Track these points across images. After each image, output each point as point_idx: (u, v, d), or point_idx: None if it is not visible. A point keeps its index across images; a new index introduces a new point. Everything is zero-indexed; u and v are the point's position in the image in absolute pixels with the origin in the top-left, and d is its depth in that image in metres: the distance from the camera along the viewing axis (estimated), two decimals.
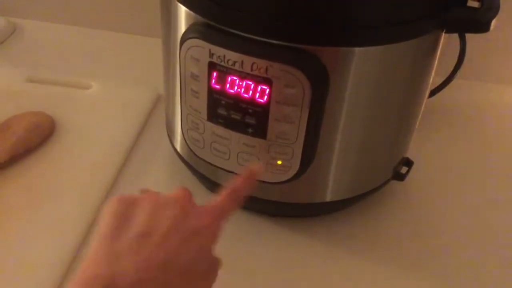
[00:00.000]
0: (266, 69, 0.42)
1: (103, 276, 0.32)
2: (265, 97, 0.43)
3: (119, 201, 0.36)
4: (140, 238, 0.34)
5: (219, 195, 0.40)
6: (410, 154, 0.58)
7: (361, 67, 0.43)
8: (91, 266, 0.33)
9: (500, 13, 0.46)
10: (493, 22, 0.45)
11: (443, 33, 0.47)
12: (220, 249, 0.52)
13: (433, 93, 0.70)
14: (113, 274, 0.32)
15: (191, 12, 0.44)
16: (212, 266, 0.38)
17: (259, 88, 0.43)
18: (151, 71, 0.68)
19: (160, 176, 0.60)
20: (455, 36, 0.62)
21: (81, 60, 0.79)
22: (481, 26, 0.45)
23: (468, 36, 0.63)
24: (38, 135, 0.61)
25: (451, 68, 0.67)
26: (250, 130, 0.46)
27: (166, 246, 0.34)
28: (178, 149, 0.56)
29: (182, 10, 0.45)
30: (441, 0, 0.44)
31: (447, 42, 0.50)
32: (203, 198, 0.56)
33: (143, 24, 0.83)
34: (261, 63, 0.42)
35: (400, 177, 0.57)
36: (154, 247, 0.34)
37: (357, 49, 0.42)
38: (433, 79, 0.54)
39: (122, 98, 0.69)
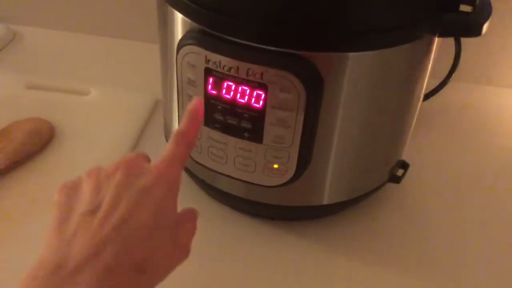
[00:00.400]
0: (261, 75, 0.42)
1: (51, 261, 0.31)
2: (261, 102, 0.44)
3: (60, 191, 0.36)
4: (86, 217, 0.33)
5: (168, 143, 0.38)
6: (406, 156, 0.58)
7: (355, 71, 0.44)
8: (42, 252, 0.33)
9: (495, 16, 0.47)
10: (485, 26, 0.45)
11: (436, 37, 0.47)
12: (218, 252, 0.53)
13: (428, 96, 0.70)
14: (61, 257, 0.31)
15: (187, 19, 0.45)
16: (181, 218, 0.37)
17: (254, 93, 0.44)
18: (150, 76, 0.69)
19: None
20: (450, 39, 0.62)
21: (80, 66, 0.80)
22: (473, 30, 0.45)
23: (464, 39, 0.64)
24: (38, 141, 0.61)
25: (446, 70, 0.68)
26: (246, 134, 0.46)
27: (114, 216, 0.33)
28: None
29: (179, 17, 0.46)
30: (434, 5, 0.45)
31: (442, 44, 0.50)
32: (201, 202, 0.58)
33: (142, 30, 0.84)
34: (256, 68, 0.42)
35: (396, 179, 0.57)
36: (101, 221, 0.33)
37: (351, 54, 0.43)
38: (429, 81, 0.54)
39: (121, 104, 0.70)
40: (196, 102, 0.40)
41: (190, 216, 0.38)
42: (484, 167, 0.67)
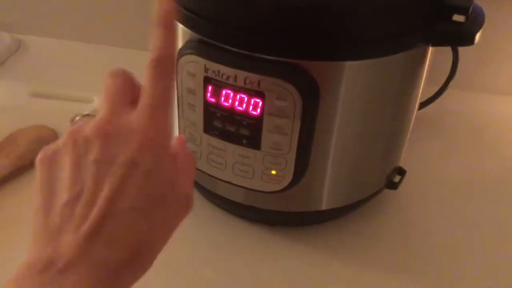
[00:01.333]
0: (259, 83, 0.44)
1: (40, 259, 0.29)
2: (258, 109, 0.45)
3: (41, 163, 0.31)
4: (68, 205, 0.29)
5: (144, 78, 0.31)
6: (403, 163, 0.59)
7: (351, 80, 0.45)
8: (31, 250, 0.30)
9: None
10: (478, 35, 0.47)
11: (430, 46, 0.48)
12: (217, 258, 0.54)
13: (425, 104, 0.71)
14: (50, 254, 0.28)
15: (187, 29, 0.46)
16: (178, 168, 0.32)
17: (252, 101, 0.45)
18: None
19: None
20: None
21: (84, 74, 0.81)
22: (466, 39, 0.46)
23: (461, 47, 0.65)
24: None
25: (443, 75, 0.69)
26: (244, 141, 0.47)
27: (97, 203, 0.29)
28: None
29: (179, 27, 0.47)
30: (427, 15, 0.46)
31: (441, 51, 0.51)
32: (201, 208, 0.59)
33: (144, 40, 0.85)
34: (254, 77, 0.43)
35: (393, 185, 0.58)
36: (85, 209, 0.29)
37: (346, 63, 0.44)
38: (428, 88, 0.55)
39: None
40: (163, 4, 0.32)
41: (188, 158, 0.33)
42: (480, 174, 0.67)
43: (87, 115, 0.62)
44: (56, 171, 0.31)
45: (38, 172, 0.31)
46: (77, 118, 0.36)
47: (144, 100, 0.31)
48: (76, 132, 0.31)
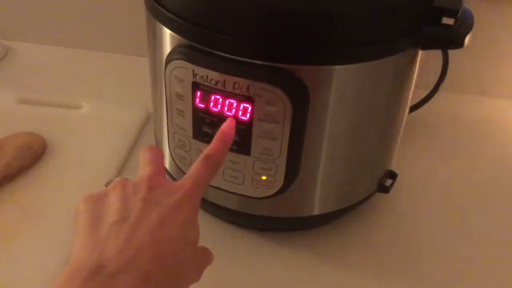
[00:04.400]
0: (248, 88, 0.43)
1: (88, 261, 0.32)
2: (248, 114, 0.45)
3: (86, 201, 0.36)
4: (117, 224, 0.34)
5: (194, 164, 0.39)
6: (395, 166, 0.59)
7: (341, 84, 0.45)
8: (75, 258, 0.33)
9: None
10: (467, 38, 0.46)
11: (420, 50, 0.48)
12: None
13: (416, 107, 0.71)
14: (97, 259, 0.32)
15: (175, 34, 0.46)
16: (201, 247, 0.38)
17: (241, 106, 0.44)
18: (141, 90, 0.69)
19: None
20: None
21: (72, 80, 0.81)
22: (455, 42, 0.46)
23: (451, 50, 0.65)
24: (30, 155, 0.62)
25: (434, 78, 0.69)
26: (234, 147, 0.47)
27: (144, 225, 0.34)
28: (167, 166, 0.57)
29: (167, 32, 0.46)
30: (416, 19, 0.46)
31: (431, 55, 0.51)
32: None
33: (132, 44, 0.85)
34: (243, 82, 0.43)
35: (385, 189, 0.58)
36: (132, 228, 0.33)
37: (336, 67, 0.44)
38: (417, 91, 0.55)
39: (113, 117, 0.70)
40: (229, 123, 0.42)
41: (208, 250, 0.40)
42: (471, 176, 0.68)
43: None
44: (103, 205, 0.35)
45: (82, 206, 0.36)
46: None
47: (189, 176, 0.38)
48: (124, 180, 0.37)
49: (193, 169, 0.38)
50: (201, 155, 0.39)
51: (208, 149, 0.40)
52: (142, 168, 0.39)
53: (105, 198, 0.36)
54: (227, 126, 0.42)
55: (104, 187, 0.38)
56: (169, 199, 0.36)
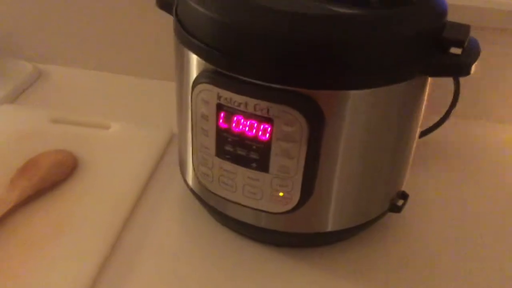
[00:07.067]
0: (268, 110, 0.47)
1: None
2: (267, 134, 0.48)
3: None
4: None
5: None
6: (406, 187, 0.62)
7: (355, 107, 0.48)
8: None
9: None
10: (473, 66, 0.49)
11: (429, 77, 0.51)
12: (221, 279, 0.56)
13: (426, 132, 0.74)
14: None
15: (201, 60, 0.49)
16: None
17: (261, 127, 0.48)
18: (165, 112, 0.73)
19: (173, 209, 0.64)
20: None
21: (101, 102, 0.85)
22: (463, 70, 0.48)
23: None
24: (62, 171, 0.66)
25: (445, 105, 0.72)
26: (254, 164, 0.50)
27: None
28: (190, 183, 0.60)
29: (194, 58, 0.50)
30: (426, 48, 0.48)
31: (441, 82, 0.54)
32: (210, 229, 0.61)
33: (158, 69, 0.89)
34: (263, 104, 0.47)
35: (396, 209, 0.60)
36: None
37: (350, 91, 0.47)
38: (429, 116, 0.57)
39: (139, 137, 0.74)
40: None
41: None
42: (481, 199, 0.69)
43: None
44: None
45: None
46: None
47: None
48: None
49: None
50: None
51: None
52: None
53: None
54: None
55: None
56: None
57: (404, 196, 0.61)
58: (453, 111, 0.72)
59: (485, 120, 0.85)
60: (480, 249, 0.62)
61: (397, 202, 0.61)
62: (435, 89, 0.55)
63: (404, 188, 0.61)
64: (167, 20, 0.58)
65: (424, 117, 0.56)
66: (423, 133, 0.74)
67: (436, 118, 0.73)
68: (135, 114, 0.81)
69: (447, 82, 0.67)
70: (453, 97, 0.72)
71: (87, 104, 0.84)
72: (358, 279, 0.57)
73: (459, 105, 0.71)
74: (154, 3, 0.59)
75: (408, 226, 0.64)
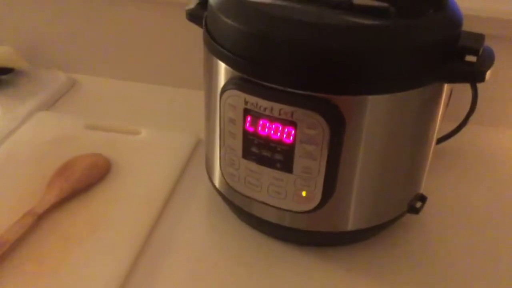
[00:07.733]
0: (292, 114, 0.50)
1: None
2: (291, 137, 0.51)
3: None
4: None
5: None
6: (425, 190, 0.63)
7: (374, 112, 0.50)
8: None
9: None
10: (488, 73, 0.51)
11: (445, 83, 0.54)
12: (246, 276, 0.58)
13: (444, 139, 0.76)
14: None
15: (229, 68, 0.53)
16: None
17: (286, 130, 0.51)
18: (192, 119, 0.77)
19: (200, 208, 0.67)
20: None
21: (131, 110, 0.88)
22: (478, 77, 0.51)
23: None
24: (96, 174, 0.70)
25: (461, 114, 0.74)
26: (278, 165, 0.53)
27: None
28: (217, 184, 0.63)
29: (222, 66, 0.54)
30: (442, 56, 0.51)
31: (462, 88, 0.56)
32: (237, 230, 0.64)
33: (185, 79, 0.92)
34: (287, 109, 0.49)
35: (415, 210, 0.62)
36: None
37: (369, 97, 0.50)
38: (448, 123, 0.58)
39: (167, 143, 0.78)
40: None
41: None
42: (499, 203, 0.71)
43: None
44: None
45: None
46: None
47: None
48: None
49: None
50: None
51: None
52: None
53: None
54: None
55: None
56: None
57: (422, 198, 0.63)
58: (470, 118, 0.74)
59: (504, 127, 0.87)
60: (496, 253, 0.63)
61: (415, 204, 0.63)
62: (452, 98, 0.58)
63: (422, 191, 0.63)
64: (194, 33, 0.62)
65: (441, 125, 0.58)
66: (442, 139, 0.76)
67: (454, 126, 0.75)
68: (164, 121, 0.85)
69: (465, 92, 0.69)
70: (471, 103, 0.73)
71: (118, 111, 0.88)
72: (377, 278, 0.59)
73: (476, 112, 0.73)
74: (184, 16, 0.62)
75: (426, 227, 0.66)
